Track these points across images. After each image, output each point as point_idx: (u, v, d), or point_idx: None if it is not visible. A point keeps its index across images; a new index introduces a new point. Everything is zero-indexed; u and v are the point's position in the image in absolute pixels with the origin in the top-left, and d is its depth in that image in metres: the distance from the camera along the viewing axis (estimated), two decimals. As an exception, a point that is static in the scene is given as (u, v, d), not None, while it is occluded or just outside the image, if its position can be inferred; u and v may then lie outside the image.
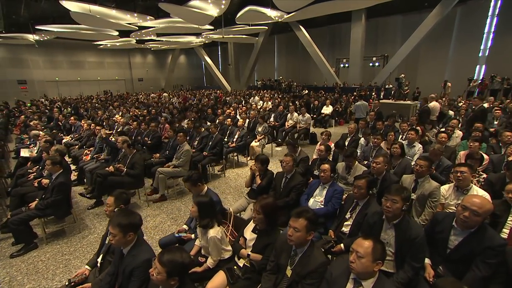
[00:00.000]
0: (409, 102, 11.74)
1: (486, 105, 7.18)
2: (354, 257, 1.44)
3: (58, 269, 2.96)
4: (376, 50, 18.83)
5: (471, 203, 1.80)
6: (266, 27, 16.81)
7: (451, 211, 2.64)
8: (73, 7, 10.60)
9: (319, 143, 4.91)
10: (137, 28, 13.81)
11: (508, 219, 2.37)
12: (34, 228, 3.46)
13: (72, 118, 6.99)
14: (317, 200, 2.75)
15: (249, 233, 2.19)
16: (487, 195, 2.51)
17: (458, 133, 5.17)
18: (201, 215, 2.13)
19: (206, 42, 20.91)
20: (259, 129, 6.79)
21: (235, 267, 2.10)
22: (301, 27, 18.40)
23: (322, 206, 2.70)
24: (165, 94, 17.84)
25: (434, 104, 6.93)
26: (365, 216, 2.26)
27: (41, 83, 20.01)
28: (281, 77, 22.65)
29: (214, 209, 2.19)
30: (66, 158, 6.36)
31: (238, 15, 11.98)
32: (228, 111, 7.96)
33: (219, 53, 31.68)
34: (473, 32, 15.21)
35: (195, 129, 5.57)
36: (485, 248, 1.77)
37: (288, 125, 8.14)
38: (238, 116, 8.00)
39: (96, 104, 12.77)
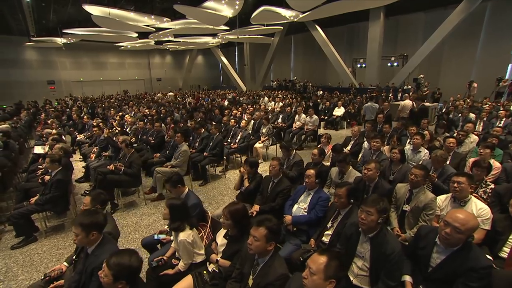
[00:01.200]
0: (428, 103, 11.11)
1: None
2: (307, 273, 1.35)
3: (51, 263, 3.08)
4: (395, 49, 18.03)
5: (454, 218, 1.63)
6: (281, 27, 16.66)
7: (446, 224, 2.44)
8: (94, 11, 11.14)
9: (319, 146, 4.78)
10: (154, 29, 14.23)
11: (510, 237, 2.14)
12: (36, 222, 3.65)
13: (85, 117, 7.31)
14: (300, 207, 2.64)
15: (220, 238, 2.14)
16: (486, 209, 2.29)
17: (474, 138, 4.79)
18: (172, 218, 2.11)
19: (223, 42, 21.13)
20: (263, 130, 6.72)
21: (204, 272, 2.06)
22: (317, 26, 18.04)
23: (306, 213, 2.59)
24: (170, 93, 18.23)
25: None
26: (344, 226, 2.13)
27: (68, 83, 21.23)
28: (295, 78, 22.38)
29: (185, 213, 2.16)
30: (77, 155, 6.73)
31: (253, 15, 11.95)
32: (234, 112, 7.94)
33: (236, 53, 31.91)
34: (505, 29, 14.10)
35: (195, 130, 5.60)
36: (467, 270, 1.60)
37: (295, 127, 8.00)
38: (245, 117, 7.97)
39: (114, 103, 13.30)
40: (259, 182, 3.17)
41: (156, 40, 17.62)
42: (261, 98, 13.21)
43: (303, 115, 7.99)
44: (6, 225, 3.78)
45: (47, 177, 3.75)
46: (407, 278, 1.85)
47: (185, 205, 2.18)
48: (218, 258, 2.04)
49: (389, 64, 16.39)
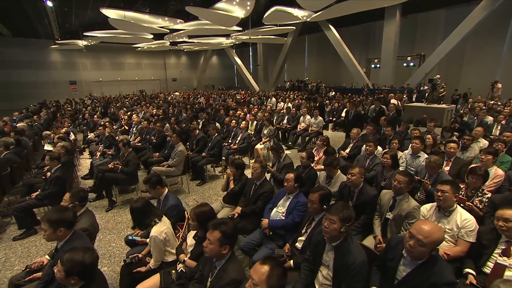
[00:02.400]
0: (443, 105, 10.59)
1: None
2: (250, 283, 1.33)
3: (46, 255, 3.24)
4: (412, 49, 17.34)
5: (418, 230, 1.55)
6: (294, 27, 16.52)
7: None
8: (111, 14, 11.61)
9: (315, 149, 4.69)
10: (168, 31, 14.60)
11: (495, 251, 1.99)
12: (38, 216, 3.85)
13: (95, 116, 7.63)
14: (279, 211, 2.61)
15: (190, 238, 2.16)
16: (471, 220, 2.16)
17: (484, 143, 4.51)
18: (134, 221, 2.17)
19: (237, 43, 21.31)
20: (265, 132, 6.69)
21: (173, 271, 2.09)
22: (330, 26, 17.71)
23: (283, 217, 2.55)
24: (176, 93, 18.55)
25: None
26: (316, 233, 2.08)
27: (88, 83, 22.30)
28: (307, 78, 22.10)
29: (146, 215, 2.19)
30: (86, 153, 7.04)
31: (265, 15, 11.93)
32: (238, 112, 7.98)
33: (250, 53, 32.01)
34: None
35: (190, 132, 5.68)
36: (430, 285, 1.51)
37: (300, 128, 7.91)
38: (248, 118, 7.96)
39: (127, 103, 13.77)
40: (244, 184, 3.16)
41: (171, 41, 18.10)
42: (269, 99, 13.15)
43: (308, 116, 7.87)
44: (12, 217, 4.02)
45: (48, 174, 3.96)
46: (375, 291, 1.78)
47: (145, 208, 2.21)
48: (186, 259, 2.06)
49: (405, 64, 15.78)
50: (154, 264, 2.16)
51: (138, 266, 2.24)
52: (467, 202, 2.71)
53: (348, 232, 1.75)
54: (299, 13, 12.50)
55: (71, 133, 6.00)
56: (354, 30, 20.37)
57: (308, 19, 13.05)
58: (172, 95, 17.94)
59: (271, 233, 2.51)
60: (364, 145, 3.86)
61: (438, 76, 11.93)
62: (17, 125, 6.66)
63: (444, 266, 1.55)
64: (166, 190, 2.73)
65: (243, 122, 6.38)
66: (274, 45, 22.43)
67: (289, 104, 11.61)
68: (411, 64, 15.71)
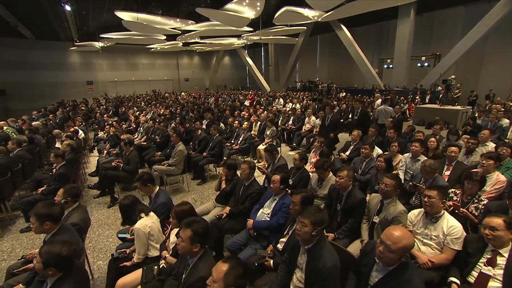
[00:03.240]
0: (458, 107, 10.18)
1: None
2: (210, 280, 1.36)
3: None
4: (428, 48, 16.75)
5: (387, 236, 1.53)
6: (305, 28, 16.39)
7: (417, 241, 2.26)
8: (125, 16, 12.00)
9: (312, 150, 4.66)
10: (180, 32, 14.87)
11: (480, 260, 1.92)
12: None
13: (105, 115, 7.91)
14: (264, 212, 2.62)
15: (173, 236, 2.22)
16: (457, 227, 2.10)
17: (492, 147, 4.30)
18: (122, 217, 2.25)
19: (248, 43, 21.38)
20: (267, 133, 6.70)
21: (155, 267, 2.15)
22: (342, 26, 17.43)
23: (268, 219, 2.56)
24: (183, 93, 18.82)
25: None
26: (295, 235, 2.08)
27: (104, 83, 23.11)
28: (317, 79, 21.85)
29: (133, 211, 2.27)
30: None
31: (276, 16, 11.90)
32: (243, 113, 8.03)
33: (262, 54, 32.04)
34: None
35: (192, 132, 5.77)
36: None
37: (305, 129, 7.86)
38: (252, 119, 8.00)
39: (138, 103, 14.15)
40: (235, 185, 3.20)
41: (183, 42, 18.44)
42: (277, 100, 13.11)
43: (313, 118, 7.80)
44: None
45: (54, 170, 4.16)
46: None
47: (133, 204, 2.29)
48: (167, 255, 2.12)
49: (419, 65, 15.27)
50: (137, 258, 2.23)
51: (126, 261, 2.33)
52: (461, 209, 2.62)
53: (321, 235, 1.74)
54: (310, 13, 12.38)
55: (80, 131, 6.25)
56: (367, 30, 19.95)
57: (319, 19, 12.92)
58: (179, 96, 18.28)
59: (255, 233, 2.53)
60: (361, 148, 3.78)
61: (453, 76, 11.48)
62: (33, 123, 7.02)
63: (413, 274, 1.51)
64: (157, 188, 2.81)
65: (245, 123, 6.41)
66: (286, 45, 22.33)
67: (297, 105, 11.56)
68: (426, 64, 15.18)
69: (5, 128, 6.50)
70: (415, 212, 2.36)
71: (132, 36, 15.14)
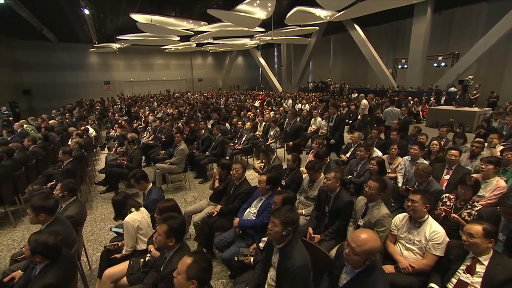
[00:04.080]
0: (475, 109, 9.74)
1: None
2: (176, 272, 1.44)
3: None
4: (447, 47, 16.06)
5: (353, 238, 1.54)
6: (317, 28, 16.23)
7: (400, 245, 2.24)
8: (139, 19, 12.43)
9: (311, 152, 4.65)
10: (193, 33, 15.17)
11: (460, 267, 1.88)
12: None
13: (116, 115, 8.24)
14: (251, 211, 2.68)
15: (159, 231, 2.31)
16: (440, 233, 2.07)
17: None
18: (115, 211, 2.37)
19: (261, 44, 21.45)
20: (271, 133, 6.72)
21: (141, 259, 2.26)
22: (355, 25, 17.09)
23: (254, 218, 2.61)
24: (188, 93, 19.11)
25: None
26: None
27: (120, 83, 24.00)
28: (329, 79, 21.56)
29: (124, 207, 2.39)
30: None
31: (287, 16, 11.86)
32: (249, 113, 8.10)
33: (275, 54, 31.99)
34: None
35: (195, 132, 5.90)
36: None
37: (311, 130, 7.82)
38: (257, 119, 8.04)
39: (155, 103, 14.58)
40: (227, 184, 3.27)
41: (197, 42, 18.79)
42: (285, 100, 13.08)
43: (319, 119, 7.75)
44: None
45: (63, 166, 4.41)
46: (320, 297, 1.79)
47: (125, 199, 2.41)
48: (152, 249, 2.22)
49: (435, 65, 14.69)
50: (126, 250, 2.35)
51: (117, 253, 2.46)
52: (452, 215, 2.56)
53: (293, 236, 1.77)
54: (322, 13, 12.25)
55: (90, 130, 6.56)
56: (382, 29, 19.45)
57: (331, 19, 12.76)
58: (186, 96, 18.65)
59: (240, 232, 2.59)
60: (357, 150, 3.74)
61: (470, 76, 11.01)
62: (49, 122, 7.44)
63: (378, 277, 1.52)
64: (150, 185, 2.93)
65: (248, 123, 6.48)
66: (299, 45, 22.20)
67: (306, 106, 11.49)
68: (443, 64, 14.58)
69: (25, 126, 6.93)
70: (400, 216, 2.33)
71: (147, 38, 15.61)
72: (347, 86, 19.24)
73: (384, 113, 7.51)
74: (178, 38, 16.93)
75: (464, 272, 1.84)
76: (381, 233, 2.26)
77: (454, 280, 1.87)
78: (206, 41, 18.41)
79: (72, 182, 2.66)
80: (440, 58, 14.87)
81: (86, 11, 12.77)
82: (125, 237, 2.36)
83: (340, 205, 2.61)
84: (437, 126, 10.25)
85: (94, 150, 7.04)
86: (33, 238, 1.69)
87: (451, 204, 2.72)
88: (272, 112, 8.04)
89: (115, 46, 18.22)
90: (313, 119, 7.93)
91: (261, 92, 19.45)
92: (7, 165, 4.10)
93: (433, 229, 2.07)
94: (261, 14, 12.19)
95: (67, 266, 1.83)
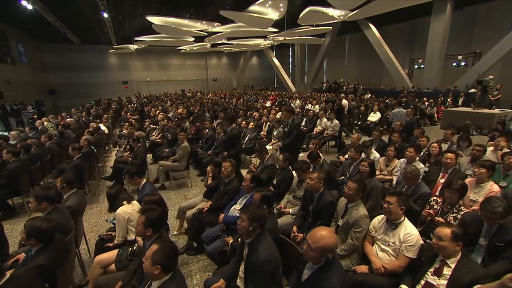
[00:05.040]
0: (495, 111, 9.26)
1: None
2: (144, 258, 1.57)
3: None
4: (469, 46, 15.29)
5: (310, 235, 1.61)
6: (331, 28, 16.03)
7: (376, 246, 2.27)
8: (155, 21, 12.90)
9: (308, 152, 4.67)
10: (206, 34, 15.48)
11: (430, 270, 1.89)
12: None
13: (128, 113, 8.63)
14: (236, 208, 2.78)
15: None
16: (413, 235, 2.08)
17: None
18: (109, 204, 2.56)
19: (275, 44, 21.48)
20: (274, 133, 6.79)
21: (130, 248, 2.43)
22: (370, 25, 16.71)
23: (238, 214, 2.71)
24: (199, 93, 19.44)
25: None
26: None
27: (137, 83, 24.93)
28: (341, 80, 21.20)
29: (117, 199, 2.57)
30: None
31: (300, 16, 11.83)
32: (255, 113, 8.21)
33: (290, 54, 31.84)
34: None
35: (199, 131, 6.07)
36: None
37: (316, 131, 7.81)
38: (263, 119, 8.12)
39: (168, 102, 15.05)
40: (219, 181, 3.39)
41: (211, 43, 19.16)
42: (293, 101, 13.04)
43: (325, 119, 7.72)
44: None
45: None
46: (287, 291, 1.87)
47: (118, 193, 2.60)
48: (139, 239, 2.39)
49: (454, 64, 14.05)
50: (117, 240, 2.53)
51: (110, 242, 2.66)
52: (436, 218, 2.54)
53: (261, 231, 1.86)
54: (335, 13, 12.10)
55: (102, 128, 6.93)
56: (399, 28, 18.85)
57: (344, 19, 12.57)
58: (201, 95, 19.03)
59: (224, 227, 2.70)
60: (349, 151, 3.75)
61: (491, 77, 10.49)
62: (66, 120, 7.94)
63: (334, 273, 1.57)
64: (144, 180, 3.12)
65: (251, 123, 6.59)
66: (314, 45, 22.00)
67: (316, 107, 11.41)
68: (462, 63, 13.91)
69: (45, 123, 7.45)
70: (378, 218, 2.35)
71: (162, 39, 16.16)
72: (361, 86, 18.84)
73: (391, 114, 7.34)
74: (193, 39, 17.35)
75: (432, 274, 1.85)
76: (358, 233, 2.29)
77: (422, 282, 1.88)
78: (220, 42, 18.72)
79: (70, 175, 2.89)
80: (460, 57, 14.20)
81: (105, 15, 13.40)
82: (116, 228, 2.55)
83: (322, 205, 2.66)
84: (452, 128, 9.86)
85: (107, 147, 7.43)
86: (29, 223, 1.89)
87: (438, 208, 2.70)
88: (279, 112, 8.09)
89: (133, 47, 18.99)
90: (319, 120, 7.90)
91: (272, 93, 19.45)
92: (24, 159, 4.47)
93: (408, 231, 2.08)
94: (273, 14, 12.25)
95: (59, 250, 2.03)
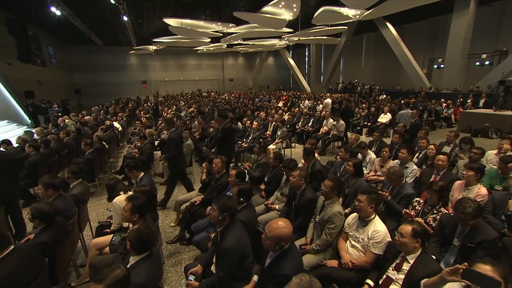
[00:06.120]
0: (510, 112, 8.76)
1: None
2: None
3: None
4: (496, 44, 14.43)
5: (267, 225, 1.76)
6: (346, 27, 15.78)
7: (348, 242, 2.35)
8: (171, 22, 13.42)
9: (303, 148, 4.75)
10: (221, 35, 15.81)
11: (392, 265, 1.96)
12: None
13: (142, 112, 9.09)
14: (221, 202, 2.95)
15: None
16: (380, 232, 2.16)
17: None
18: (108, 194, 2.83)
19: (291, 44, 21.45)
20: (278, 133, 6.91)
21: (123, 234, 2.68)
22: (387, 23, 16.25)
23: (223, 208, 2.89)
24: (212, 93, 19.78)
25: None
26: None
27: (156, 83, 25.93)
28: (356, 80, 20.76)
29: (115, 190, 2.83)
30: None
31: (314, 16, 11.80)
32: (261, 114, 8.36)
33: (306, 54, 31.57)
34: None
35: (204, 130, 6.32)
36: (273, 276, 1.70)
37: (322, 131, 7.82)
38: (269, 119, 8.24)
39: (181, 102, 15.57)
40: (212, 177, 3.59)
41: (227, 43, 19.51)
42: (302, 101, 13.00)
43: (331, 120, 7.71)
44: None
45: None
46: (254, 278, 2.01)
47: (116, 184, 2.86)
48: (131, 226, 2.63)
49: (477, 63, 13.35)
50: (114, 226, 2.80)
51: (108, 228, 2.94)
52: (415, 218, 2.57)
53: (230, 220, 2.02)
54: (350, 12, 11.94)
55: (115, 125, 7.39)
56: (420, 27, 18.15)
57: (360, 18, 12.36)
58: (214, 95, 19.42)
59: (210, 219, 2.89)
60: (340, 152, 3.80)
61: (514, 77, 9.90)
62: (85, 117, 8.53)
63: (289, 261, 1.70)
64: (142, 173, 3.37)
65: (255, 123, 6.75)
66: (330, 45, 21.73)
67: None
68: (486, 63, 13.17)
69: (66, 121, 8.05)
70: (353, 215, 2.43)
71: (179, 40, 16.71)
72: (377, 87, 18.38)
73: (398, 115, 7.20)
74: (209, 40, 17.76)
75: (392, 269, 1.92)
76: (331, 229, 2.38)
77: (384, 276, 1.95)
78: (236, 42, 19.01)
79: (75, 167, 3.21)
80: (484, 56, 13.47)
81: (125, 18, 14.12)
82: (113, 215, 2.81)
83: (303, 201, 2.77)
84: (470, 131, 9.43)
85: (121, 144, 7.90)
86: (33, 206, 2.19)
87: (420, 208, 2.72)
88: (277, 114, 8.20)
89: (152, 48, 19.80)
90: (325, 120, 7.91)
91: (284, 93, 19.47)
92: (43, 153, 4.92)
93: (376, 228, 2.15)
94: (286, 15, 12.30)
95: (59, 230, 2.31)
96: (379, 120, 9.30)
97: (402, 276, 1.83)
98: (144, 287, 1.61)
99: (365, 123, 9.73)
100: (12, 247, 1.89)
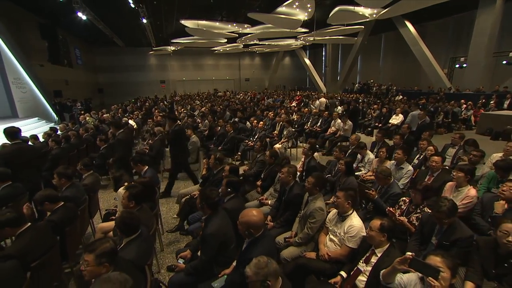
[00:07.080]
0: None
1: None
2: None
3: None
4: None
5: (242, 212, 1.92)
6: (363, 26, 15.47)
7: (328, 236, 2.47)
8: (188, 24, 13.90)
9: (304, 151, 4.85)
10: (237, 35, 16.09)
11: (362, 258, 2.07)
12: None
13: (156, 111, 9.54)
14: (216, 195, 3.16)
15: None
16: (355, 227, 2.27)
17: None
18: (114, 185, 3.13)
19: (307, 44, 21.34)
20: (284, 133, 7.02)
21: (125, 222, 2.96)
22: (406, 22, 15.75)
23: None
24: (227, 93, 20.13)
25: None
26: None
27: (174, 82, 26.78)
28: (371, 80, 20.25)
29: (120, 182, 3.11)
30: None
31: (329, 16, 11.74)
32: (269, 114, 8.51)
33: (323, 54, 31.18)
34: None
35: (212, 129, 6.57)
36: (244, 259, 1.86)
37: (330, 132, 7.85)
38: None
39: (196, 101, 16.05)
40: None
41: (243, 44, 19.79)
42: (313, 101, 12.91)
43: (339, 120, 7.71)
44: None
45: (103, 151, 5.55)
46: (234, 263, 2.19)
47: (121, 177, 3.14)
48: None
49: (504, 62, 12.63)
50: (118, 213, 3.08)
51: (113, 216, 3.24)
52: (397, 217, 2.63)
53: (213, 210, 2.21)
54: (366, 11, 11.75)
55: (131, 123, 7.85)
56: (442, 24, 17.39)
57: (377, 17, 12.13)
58: (229, 95, 19.75)
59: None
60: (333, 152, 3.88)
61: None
62: (104, 115, 9.11)
63: (258, 248, 1.87)
64: (146, 167, 3.64)
65: (261, 122, 6.92)
66: (347, 45, 21.37)
67: (339, 108, 11.26)
68: (514, 61, 12.43)
69: (87, 118, 8.66)
70: (334, 211, 2.54)
71: (196, 40, 17.20)
72: (394, 88, 17.86)
73: (409, 116, 7.06)
74: (225, 40, 18.12)
75: (362, 262, 2.02)
76: (312, 224, 2.51)
77: (355, 268, 2.06)
78: (252, 42, 19.24)
79: (87, 159, 3.56)
80: (511, 54, 12.71)
81: (144, 20, 14.79)
82: (118, 204, 3.10)
83: (291, 197, 2.91)
84: (490, 133, 8.98)
85: (136, 141, 8.36)
86: (40, 193, 2.52)
87: (405, 208, 2.77)
88: (284, 114, 8.30)
89: (170, 48, 20.53)
90: (333, 121, 7.91)
91: (298, 93, 19.42)
92: (64, 147, 5.40)
93: (351, 223, 2.26)
94: (301, 15, 12.32)
95: (67, 213, 2.62)
96: (390, 121, 9.13)
97: (369, 268, 1.94)
98: (133, 263, 1.84)
99: (376, 124, 9.58)
100: (29, 223, 2.20)
